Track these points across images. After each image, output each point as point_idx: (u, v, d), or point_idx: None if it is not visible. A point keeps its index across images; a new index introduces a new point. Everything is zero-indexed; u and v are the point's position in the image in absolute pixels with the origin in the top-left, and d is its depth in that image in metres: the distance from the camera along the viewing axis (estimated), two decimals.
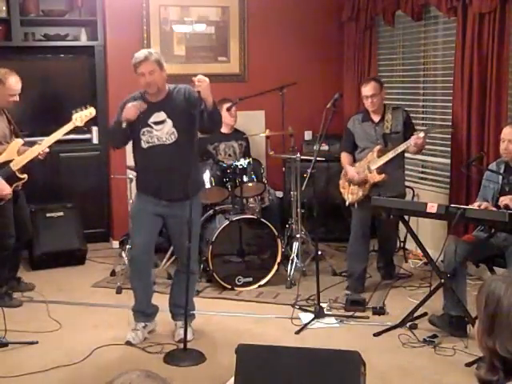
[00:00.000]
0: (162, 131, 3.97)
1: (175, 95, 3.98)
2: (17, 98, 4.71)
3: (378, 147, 4.95)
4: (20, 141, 4.76)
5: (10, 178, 4.63)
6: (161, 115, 3.98)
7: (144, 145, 4.01)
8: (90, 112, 4.69)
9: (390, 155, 4.87)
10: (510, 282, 1.70)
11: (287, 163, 6.13)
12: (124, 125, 3.93)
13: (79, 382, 3.71)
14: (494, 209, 4.13)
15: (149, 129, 3.98)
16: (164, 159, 3.98)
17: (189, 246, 3.87)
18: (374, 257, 5.50)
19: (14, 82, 4.66)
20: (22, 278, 5.22)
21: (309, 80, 6.67)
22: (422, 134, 4.76)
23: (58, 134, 4.71)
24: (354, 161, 5.12)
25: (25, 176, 4.73)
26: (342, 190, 5.16)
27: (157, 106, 3.98)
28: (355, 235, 5.05)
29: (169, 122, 3.97)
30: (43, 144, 4.69)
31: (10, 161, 4.65)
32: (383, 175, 4.90)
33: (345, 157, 5.17)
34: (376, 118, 5.02)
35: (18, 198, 4.92)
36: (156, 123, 3.98)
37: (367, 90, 4.96)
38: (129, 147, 5.40)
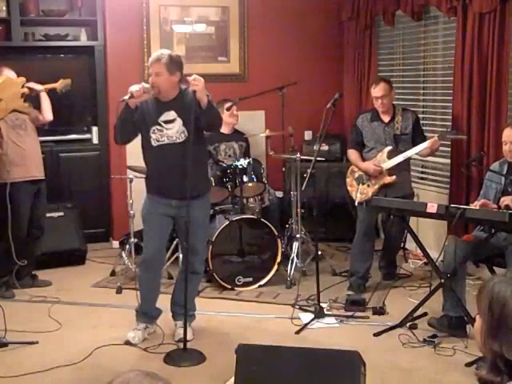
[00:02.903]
0: (173, 130, 3.98)
1: (185, 95, 3.98)
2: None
3: (388, 148, 4.92)
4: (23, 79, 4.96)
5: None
6: (171, 114, 3.98)
7: (154, 143, 4.01)
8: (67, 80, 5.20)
9: (402, 157, 4.86)
10: None
11: (287, 163, 6.13)
12: (126, 97, 3.90)
13: (79, 382, 3.70)
14: (493, 205, 4.14)
15: (159, 127, 3.98)
16: (174, 158, 3.98)
17: (186, 247, 3.88)
18: (375, 257, 5.50)
19: (8, 71, 4.91)
20: (37, 276, 5.29)
21: (309, 80, 6.67)
22: (435, 139, 4.76)
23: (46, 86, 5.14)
24: (362, 159, 5.09)
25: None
26: (349, 189, 5.12)
27: (167, 105, 3.99)
28: (361, 234, 5.03)
29: (179, 121, 3.98)
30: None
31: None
32: (394, 177, 4.88)
33: (353, 153, 5.12)
34: (386, 119, 5.00)
35: (39, 194, 5.09)
36: (166, 122, 3.98)
37: (377, 91, 4.93)
38: (129, 147, 5.43)
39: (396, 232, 5.27)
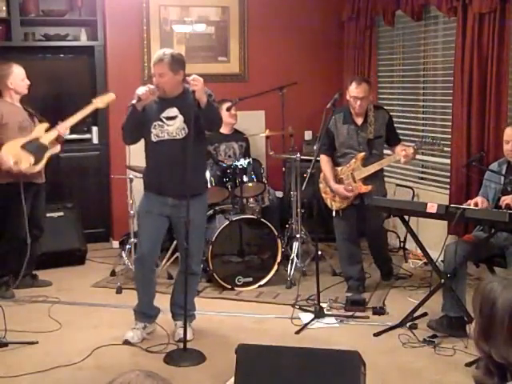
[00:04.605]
0: (173, 126, 3.99)
1: (189, 94, 3.98)
2: (28, 81, 4.97)
3: (361, 154, 4.83)
4: (46, 124, 4.95)
5: (41, 150, 4.85)
6: (173, 111, 4.00)
7: (154, 138, 4.02)
8: (109, 95, 4.88)
9: (377, 167, 4.81)
10: (506, 285, 1.67)
11: (287, 163, 6.13)
12: (134, 101, 3.92)
13: (79, 382, 3.71)
14: (487, 203, 4.14)
15: (160, 123, 4.00)
16: (172, 154, 3.99)
17: (186, 247, 3.88)
18: (371, 257, 5.50)
19: (17, 67, 4.92)
20: (37, 276, 5.28)
21: (309, 80, 6.67)
22: (411, 151, 4.72)
23: (80, 115, 4.88)
24: (334, 163, 4.97)
25: (58, 148, 4.99)
26: (323, 195, 5.04)
27: (170, 102, 4.01)
28: (341, 240, 5.00)
29: (180, 118, 3.99)
30: (66, 122, 4.91)
31: (38, 138, 4.87)
32: (369, 186, 4.81)
33: (325, 161, 4.94)
34: (359, 121, 4.87)
35: (39, 194, 5.07)
36: (168, 118, 4.00)
37: (358, 91, 4.77)
38: (129, 147, 5.43)
39: (376, 228, 5.16)
